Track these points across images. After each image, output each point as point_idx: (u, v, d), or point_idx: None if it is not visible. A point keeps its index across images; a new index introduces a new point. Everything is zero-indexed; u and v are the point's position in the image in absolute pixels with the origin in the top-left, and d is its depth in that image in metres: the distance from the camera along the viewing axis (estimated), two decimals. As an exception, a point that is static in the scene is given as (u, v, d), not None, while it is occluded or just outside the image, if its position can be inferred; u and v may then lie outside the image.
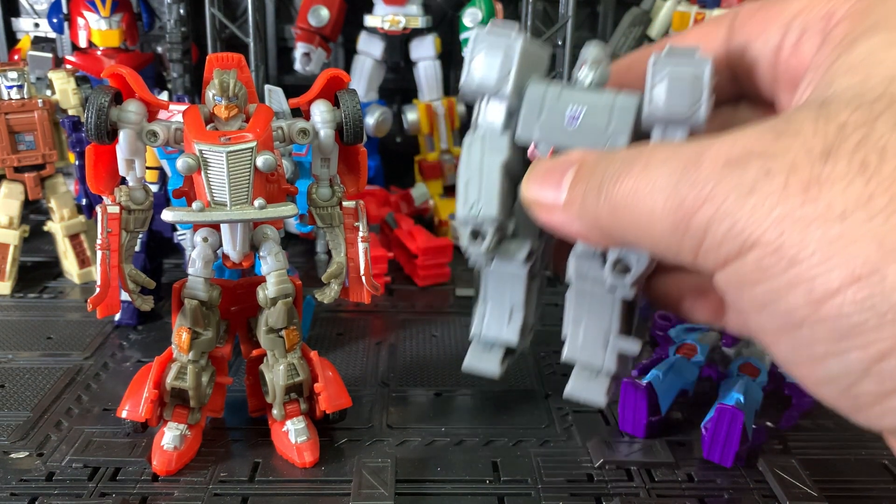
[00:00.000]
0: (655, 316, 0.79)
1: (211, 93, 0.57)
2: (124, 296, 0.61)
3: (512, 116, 0.42)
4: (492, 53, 0.41)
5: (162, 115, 0.62)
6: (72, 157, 0.97)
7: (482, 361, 0.47)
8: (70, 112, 0.98)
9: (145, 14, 1.21)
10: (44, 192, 0.99)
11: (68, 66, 1.12)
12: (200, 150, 0.55)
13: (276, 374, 0.64)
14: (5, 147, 0.94)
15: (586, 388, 0.45)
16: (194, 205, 0.56)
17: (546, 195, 0.37)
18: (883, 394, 0.28)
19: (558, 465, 0.64)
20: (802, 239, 0.28)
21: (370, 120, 1.16)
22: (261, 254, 0.62)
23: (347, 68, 1.23)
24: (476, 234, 0.42)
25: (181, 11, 1.13)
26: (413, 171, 1.26)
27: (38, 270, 1.04)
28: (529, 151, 0.41)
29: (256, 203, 0.57)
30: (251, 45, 1.10)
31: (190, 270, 0.62)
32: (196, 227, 0.62)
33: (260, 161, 0.56)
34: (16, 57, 1.25)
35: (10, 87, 0.94)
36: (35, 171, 0.97)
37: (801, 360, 0.31)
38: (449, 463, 0.65)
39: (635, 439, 0.68)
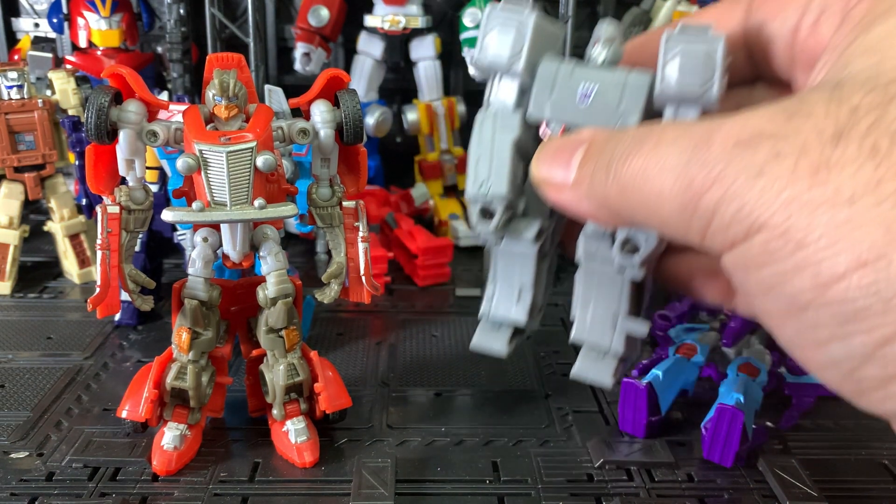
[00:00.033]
0: (655, 316, 0.79)
1: (211, 93, 0.57)
2: (124, 296, 0.61)
3: (524, 94, 0.41)
4: (504, 30, 0.40)
5: (162, 115, 0.62)
6: (72, 157, 0.97)
7: (490, 341, 0.46)
8: (70, 112, 0.98)
9: (145, 14, 1.21)
10: (44, 192, 0.99)
11: (68, 66, 1.12)
12: (200, 150, 0.55)
13: (276, 374, 0.64)
14: (5, 147, 0.94)
15: (593, 368, 0.45)
16: (194, 205, 0.56)
17: (555, 174, 0.36)
18: (886, 378, 0.28)
19: (558, 465, 0.64)
20: (810, 223, 0.28)
21: (370, 120, 1.16)
22: (261, 254, 0.62)
23: (347, 68, 1.23)
24: (486, 212, 0.42)
25: (181, 11, 1.13)
26: (413, 171, 1.26)
27: (38, 270, 1.04)
28: (541, 130, 0.41)
29: (256, 203, 0.57)
30: (251, 45, 1.10)
31: (190, 270, 0.62)
32: (196, 227, 0.62)
33: (260, 161, 0.56)
34: (16, 57, 1.25)
35: (10, 87, 0.94)
36: (35, 171, 0.97)
37: (806, 344, 0.31)
38: (449, 463, 0.65)
39: (635, 439, 0.68)
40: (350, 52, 1.24)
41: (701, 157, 0.30)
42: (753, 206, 0.29)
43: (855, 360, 0.29)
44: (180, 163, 0.55)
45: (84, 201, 0.94)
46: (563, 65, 0.40)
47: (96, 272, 0.58)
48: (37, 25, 1.30)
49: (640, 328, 0.43)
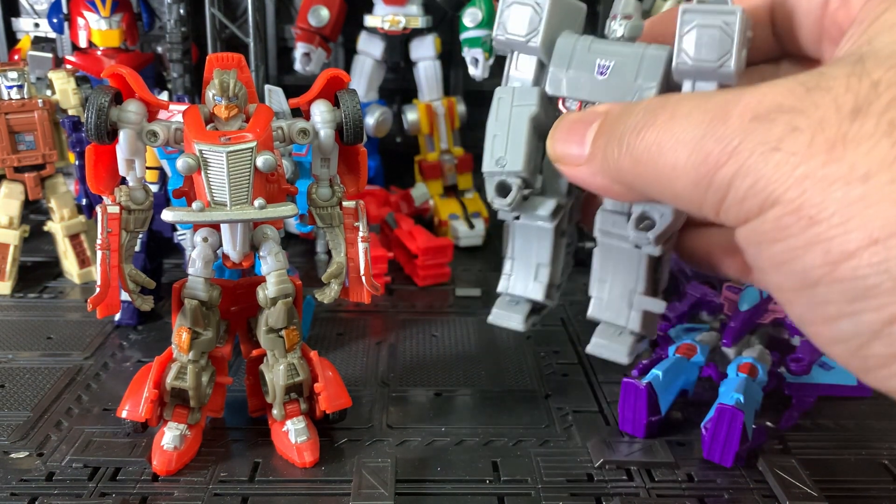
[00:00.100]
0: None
1: (211, 93, 0.57)
2: (124, 296, 0.61)
3: (542, 70, 0.41)
4: (521, 6, 0.40)
5: (162, 115, 0.62)
6: (72, 157, 0.97)
7: (507, 317, 0.46)
8: (70, 112, 0.98)
9: (145, 14, 1.21)
10: (44, 192, 0.99)
11: (68, 66, 1.12)
12: (200, 150, 0.55)
13: (276, 374, 0.64)
14: (5, 147, 0.94)
15: (609, 346, 0.45)
16: (194, 205, 0.56)
17: (570, 149, 0.36)
18: (893, 356, 0.28)
19: (558, 465, 0.64)
20: (823, 199, 0.27)
21: (370, 120, 1.16)
22: (261, 254, 0.62)
23: (347, 68, 1.23)
24: (502, 189, 0.41)
25: (181, 11, 1.13)
26: (413, 171, 1.26)
27: (38, 270, 1.04)
28: (559, 106, 0.41)
29: (256, 203, 0.57)
30: (251, 45, 1.10)
31: (190, 270, 0.62)
32: (196, 227, 0.62)
33: (260, 161, 0.56)
34: (16, 57, 1.25)
35: (10, 87, 0.94)
36: (35, 171, 0.97)
37: (815, 319, 0.31)
38: (449, 463, 0.65)
39: (635, 439, 0.68)
40: (350, 52, 1.24)
41: (717, 130, 0.30)
42: (768, 181, 0.29)
43: (863, 337, 0.29)
44: (180, 163, 0.55)
45: (84, 201, 0.94)
46: (581, 40, 0.40)
47: (96, 272, 0.58)
48: (37, 25, 1.29)
49: (657, 306, 0.43)
